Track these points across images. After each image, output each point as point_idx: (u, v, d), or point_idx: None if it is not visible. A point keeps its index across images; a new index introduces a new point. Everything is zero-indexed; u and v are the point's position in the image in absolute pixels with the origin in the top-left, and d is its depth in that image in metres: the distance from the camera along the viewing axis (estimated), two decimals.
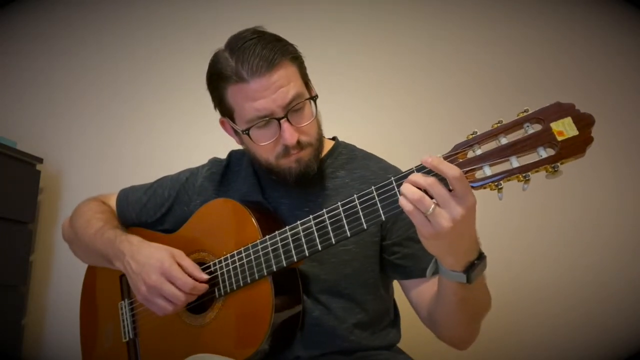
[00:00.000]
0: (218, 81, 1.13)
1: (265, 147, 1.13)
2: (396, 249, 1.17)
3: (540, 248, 1.84)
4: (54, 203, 2.24)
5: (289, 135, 1.08)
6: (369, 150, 1.33)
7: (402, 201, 0.82)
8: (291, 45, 1.13)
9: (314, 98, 1.12)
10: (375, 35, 2.15)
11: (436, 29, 2.10)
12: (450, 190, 0.80)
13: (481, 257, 0.90)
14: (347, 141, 1.36)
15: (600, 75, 1.91)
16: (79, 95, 2.34)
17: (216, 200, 1.25)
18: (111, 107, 2.31)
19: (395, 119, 2.05)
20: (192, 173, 1.38)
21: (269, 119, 1.09)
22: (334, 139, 1.35)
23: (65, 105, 2.33)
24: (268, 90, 1.06)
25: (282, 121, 1.08)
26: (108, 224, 1.31)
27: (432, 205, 0.80)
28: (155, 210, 1.37)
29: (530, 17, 2.02)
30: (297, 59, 1.12)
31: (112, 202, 1.44)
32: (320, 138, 1.18)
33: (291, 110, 1.08)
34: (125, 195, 1.43)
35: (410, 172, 0.86)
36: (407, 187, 0.82)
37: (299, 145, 1.12)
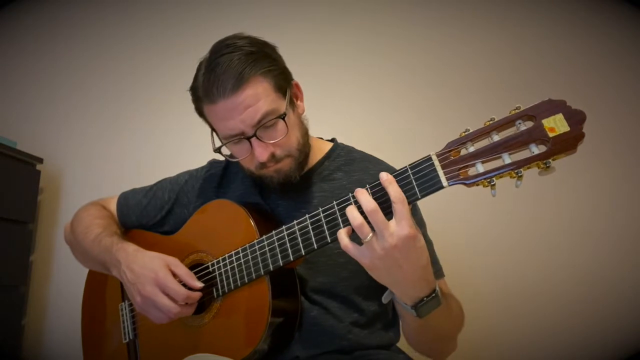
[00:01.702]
0: (195, 99, 1.14)
1: (244, 160, 1.15)
2: None
3: (534, 247, 1.84)
4: (54, 203, 2.25)
5: (259, 153, 1.09)
6: (365, 150, 1.32)
7: (342, 232, 0.90)
8: (266, 57, 1.11)
9: (282, 116, 1.09)
10: (369, 37, 2.15)
11: (430, 30, 2.10)
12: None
13: (433, 294, 0.94)
14: (345, 141, 1.35)
15: (593, 74, 1.91)
16: (79, 95, 2.35)
17: (214, 202, 1.25)
18: (112, 108, 2.32)
19: (390, 118, 2.06)
20: (191, 175, 1.39)
21: (240, 138, 1.09)
22: (332, 140, 1.34)
23: (65, 105, 2.34)
24: (236, 111, 1.06)
25: (251, 140, 1.08)
26: (106, 230, 1.31)
27: (370, 234, 0.86)
28: (155, 213, 1.38)
29: (523, 17, 2.02)
30: (270, 72, 1.09)
31: (112, 206, 1.45)
32: (301, 147, 1.17)
33: (262, 127, 1.08)
34: (125, 199, 1.44)
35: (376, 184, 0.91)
36: (350, 212, 0.88)
37: (274, 158, 1.12)
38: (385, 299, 1.00)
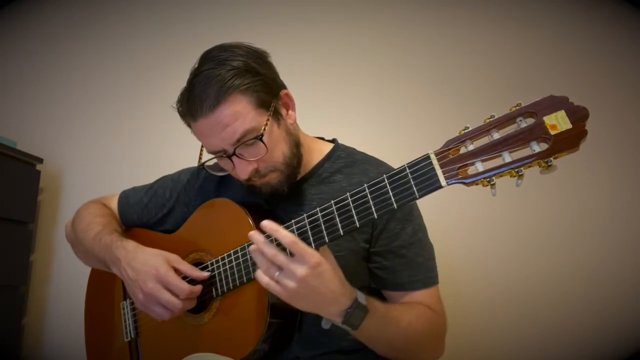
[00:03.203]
0: (180, 114, 1.14)
1: (231, 173, 1.15)
2: (377, 259, 1.17)
3: (535, 247, 1.84)
4: (54, 203, 2.25)
5: (240, 171, 1.09)
6: (365, 149, 1.31)
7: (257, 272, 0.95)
8: (249, 71, 1.08)
9: (259, 137, 1.07)
10: (370, 37, 2.14)
11: (431, 29, 2.09)
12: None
13: (354, 304, 0.96)
14: (345, 141, 1.34)
15: (594, 74, 1.90)
16: (79, 95, 2.35)
17: (214, 201, 1.25)
18: (112, 107, 2.32)
19: (390, 117, 2.05)
20: (192, 174, 1.39)
21: (221, 155, 1.10)
22: (333, 141, 1.34)
23: (65, 105, 2.34)
24: (214, 130, 1.06)
25: (232, 157, 1.08)
26: (106, 228, 1.31)
27: (277, 272, 0.92)
28: (156, 211, 1.39)
29: (524, 16, 2.01)
30: (250, 89, 1.07)
31: (113, 204, 1.45)
32: (289, 161, 1.15)
33: (242, 145, 1.07)
34: (126, 197, 1.44)
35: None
36: (255, 257, 0.94)
37: (258, 173, 1.11)
38: (325, 325, 1.00)
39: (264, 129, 1.08)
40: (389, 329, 1.03)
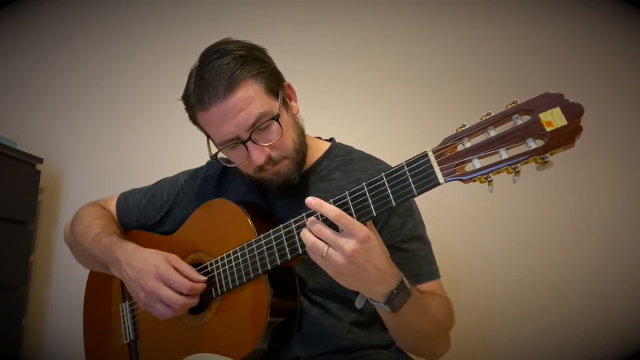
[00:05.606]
0: (188, 108, 1.15)
1: (241, 165, 1.15)
2: None
3: (533, 244, 1.84)
4: (54, 203, 2.25)
5: (256, 156, 1.09)
6: (364, 149, 1.32)
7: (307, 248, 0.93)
8: (255, 59, 1.10)
9: (275, 117, 1.08)
10: (368, 37, 2.15)
11: (429, 29, 2.10)
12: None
13: (400, 286, 0.94)
14: (343, 141, 1.35)
15: (593, 74, 1.90)
16: (79, 95, 2.35)
17: (213, 201, 1.26)
18: (112, 107, 2.32)
19: (388, 116, 2.06)
20: (190, 175, 1.40)
21: (235, 142, 1.09)
22: (331, 140, 1.34)
23: (65, 105, 2.34)
24: (228, 116, 1.06)
25: (247, 143, 1.08)
26: (105, 230, 1.32)
27: (325, 248, 0.89)
28: (154, 213, 1.39)
29: (523, 16, 2.02)
30: (260, 74, 1.09)
31: (112, 207, 1.45)
32: (298, 148, 1.17)
33: (256, 130, 1.07)
34: (125, 199, 1.45)
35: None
36: (303, 235, 0.93)
37: (271, 160, 1.12)
38: (358, 303, 0.99)
39: (279, 110, 1.10)
40: (421, 314, 1.02)
